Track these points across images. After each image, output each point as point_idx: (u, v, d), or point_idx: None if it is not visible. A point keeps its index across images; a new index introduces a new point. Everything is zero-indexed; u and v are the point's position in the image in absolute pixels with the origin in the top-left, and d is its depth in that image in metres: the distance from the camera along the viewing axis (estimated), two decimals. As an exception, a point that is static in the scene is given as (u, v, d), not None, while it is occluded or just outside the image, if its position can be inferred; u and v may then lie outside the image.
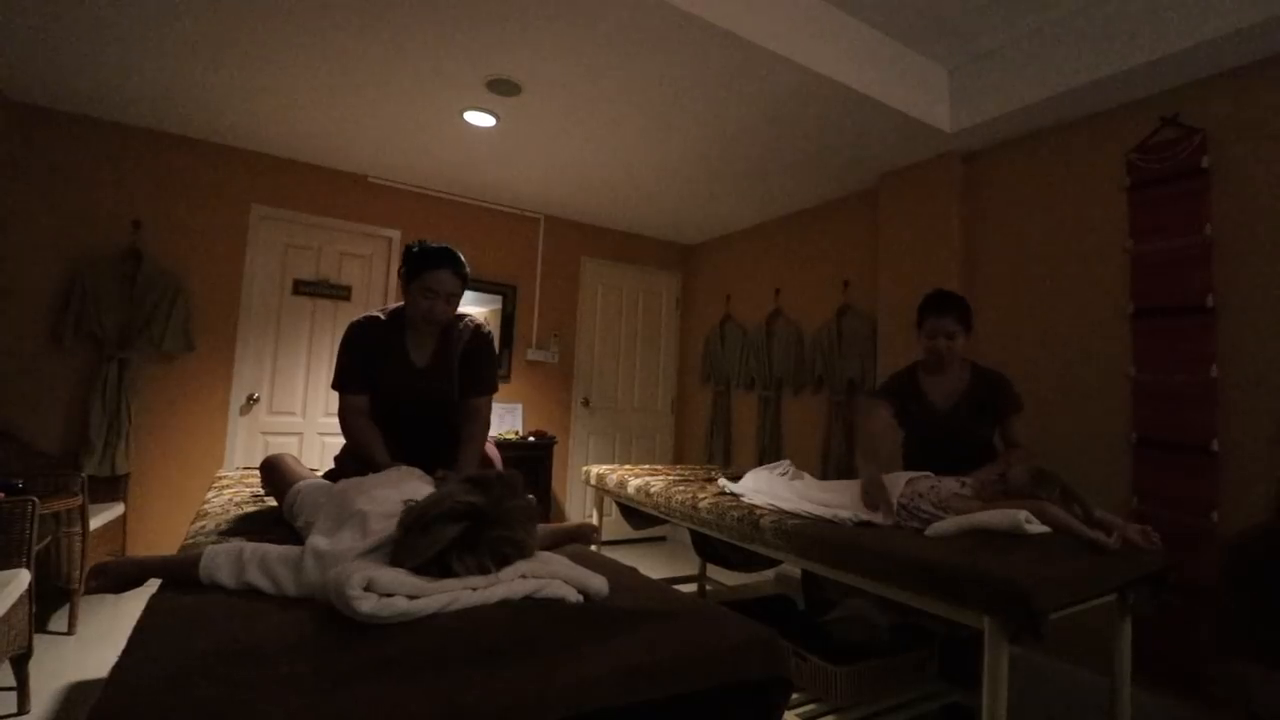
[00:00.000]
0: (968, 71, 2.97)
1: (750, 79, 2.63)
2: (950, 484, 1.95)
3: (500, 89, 2.84)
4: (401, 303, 1.95)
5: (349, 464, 1.87)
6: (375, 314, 1.97)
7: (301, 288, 3.87)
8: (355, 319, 1.98)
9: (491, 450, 2.24)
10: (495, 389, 2.05)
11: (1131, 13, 2.41)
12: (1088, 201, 2.73)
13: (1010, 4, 2.56)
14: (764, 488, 2.39)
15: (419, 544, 1.03)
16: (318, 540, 1.12)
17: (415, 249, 1.88)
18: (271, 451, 3.70)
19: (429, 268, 1.84)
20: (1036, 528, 1.72)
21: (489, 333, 2.06)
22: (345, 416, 1.91)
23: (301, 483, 1.55)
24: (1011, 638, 1.44)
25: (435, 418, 1.98)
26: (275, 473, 1.71)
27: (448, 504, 1.04)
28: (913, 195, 3.38)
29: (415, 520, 1.05)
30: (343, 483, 1.47)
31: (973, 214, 3.19)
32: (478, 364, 1.99)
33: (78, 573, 2.66)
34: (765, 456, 4.18)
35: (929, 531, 1.81)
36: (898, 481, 2.00)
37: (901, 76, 2.86)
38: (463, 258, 1.92)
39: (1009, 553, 1.57)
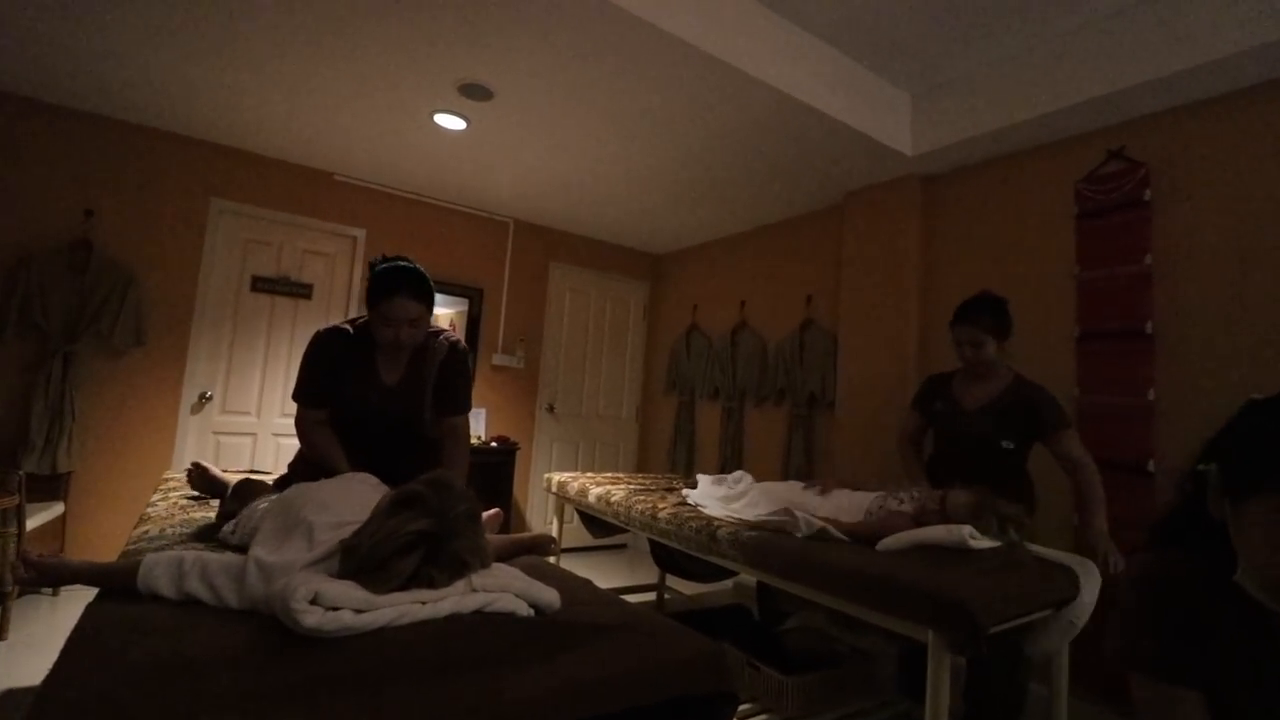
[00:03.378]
0: (929, 98, 3.07)
1: (721, 96, 2.67)
2: (892, 503, 2.01)
3: (472, 93, 2.83)
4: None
5: (304, 472, 1.83)
6: (344, 326, 1.87)
7: (260, 285, 3.78)
8: (321, 329, 1.87)
9: None
10: (470, 408, 2.01)
11: (1082, 50, 2.52)
12: (1039, 227, 2.84)
13: (970, 36, 2.65)
14: (720, 497, 2.43)
15: (378, 580, 1.01)
16: (260, 552, 1.10)
17: (376, 267, 1.78)
18: (224, 452, 3.63)
19: (384, 295, 1.72)
20: (981, 543, 1.78)
21: (465, 350, 1.99)
22: (304, 427, 1.84)
23: (261, 501, 1.49)
24: (954, 650, 1.49)
25: (402, 435, 1.92)
26: (245, 493, 1.64)
27: (395, 541, 1.02)
28: (875, 214, 3.47)
29: (367, 559, 1.02)
30: (291, 490, 1.43)
31: (932, 234, 3.29)
32: (454, 383, 1.94)
33: (10, 575, 2.55)
34: (727, 467, 4.22)
35: (879, 546, 1.86)
36: (861, 502, 2.07)
37: (867, 101, 2.94)
38: (424, 274, 1.79)
39: (953, 568, 1.62)
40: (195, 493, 2.00)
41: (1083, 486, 2.04)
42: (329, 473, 1.67)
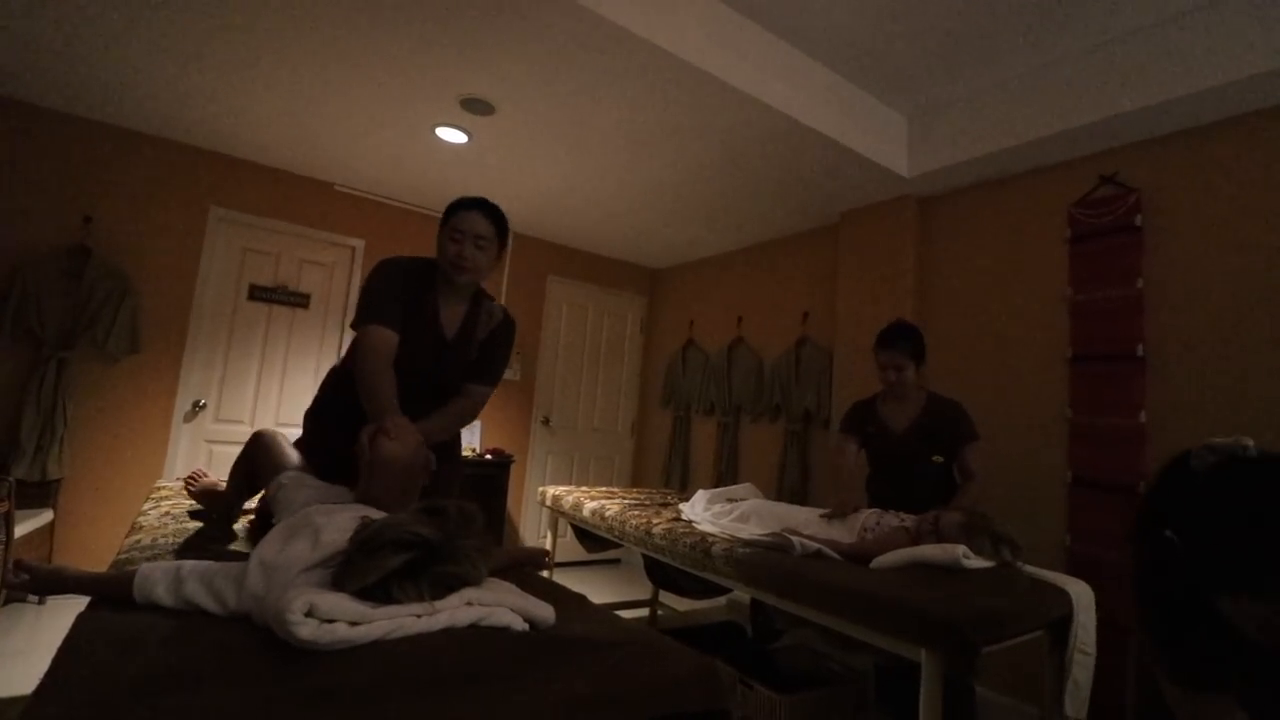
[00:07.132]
0: (925, 121, 3.11)
1: (720, 115, 2.71)
2: (891, 519, 2.02)
3: (474, 108, 2.86)
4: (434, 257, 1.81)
5: (320, 435, 1.75)
6: (414, 258, 1.82)
7: (258, 293, 3.78)
8: (389, 257, 1.81)
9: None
10: (497, 383, 1.94)
11: (1076, 76, 2.57)
12: (1033, 249, 2.87)
13: (965, 61, 2.70)
14: (714, 513, 2.43)
15: (364, 566, 1.01)
16: (264, 551, 1.10)
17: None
18: (216, 461, 3.61)
19: (458, 208, 1.74)
20: (974, 563, 1.79)
21: (514, 323, 1.97)
22: (362, 353, 1.62)
23: (284, 474, 1.49)
24: (947, 669, 1.49)
25: (439, 392, 1.79)
26: (265, 453, 1.60)
27: (398, 532, 1.03)
28: (871, 233, 3.51)
29: (364, 541, 1.04)
30: (306, 512, 1.41)
31: (927, 254, 3.32)
32: (497, 352, 1.89)
33: (-3, 583, 2.53)
34: (722, 482, 4.22)
35: (874, 564, 1.86)
36: (856, 521, 2.08)
37: (864, 122, 2.98)
38: (500, 208, 1.82)
39: (946, 587, 1.62)
40: (192, 505, 1.98)
41: (965, 488, 2.26)
42: (373, 409, 1.51)
